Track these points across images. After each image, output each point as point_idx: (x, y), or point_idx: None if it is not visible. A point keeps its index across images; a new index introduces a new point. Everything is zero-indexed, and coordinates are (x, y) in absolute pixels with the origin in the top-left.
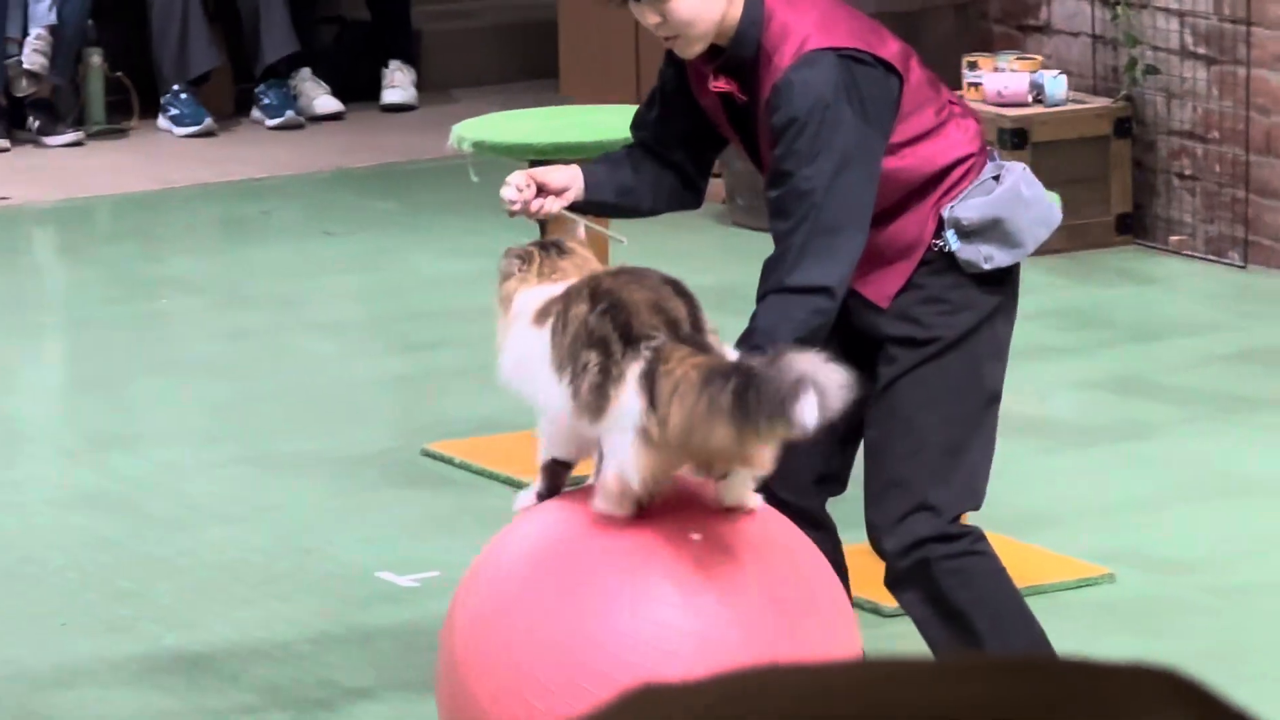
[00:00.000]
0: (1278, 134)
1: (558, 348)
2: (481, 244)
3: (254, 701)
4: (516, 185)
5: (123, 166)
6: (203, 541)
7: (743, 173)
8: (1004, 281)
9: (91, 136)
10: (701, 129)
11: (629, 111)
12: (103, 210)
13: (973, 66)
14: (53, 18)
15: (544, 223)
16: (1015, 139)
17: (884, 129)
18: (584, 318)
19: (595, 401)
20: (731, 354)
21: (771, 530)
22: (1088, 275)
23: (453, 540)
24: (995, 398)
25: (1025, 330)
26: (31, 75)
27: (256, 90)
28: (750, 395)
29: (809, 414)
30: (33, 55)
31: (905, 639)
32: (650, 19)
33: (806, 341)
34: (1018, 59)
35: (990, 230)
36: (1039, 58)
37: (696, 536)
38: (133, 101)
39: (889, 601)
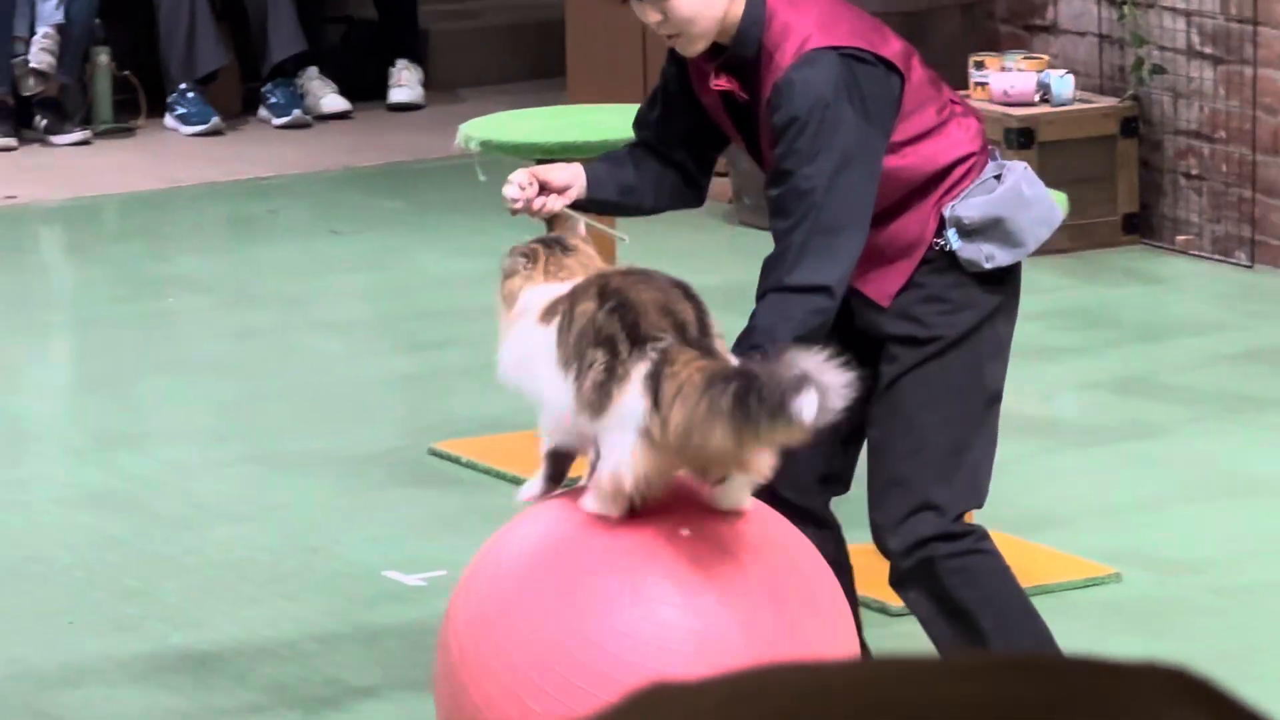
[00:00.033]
0: None
1: (563, 344)
2: (488, 243)
3: (261, 700)
4: (519, 183)
5: (130, 165)
6: (210, 540)
7: (749, 172)
8: (1005, 280)
9: (99, 135)
10: (703, 127)
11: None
12: (110, 209)
13: (979, 66)
14: (60, 16)
15: (549, 221)
16: (1022, 138)
17: (885, 128)
18: (592, 315)
19: (597, 399)
20: (736, 360)
21: (771, 530)
22: (1094, 275)
23: (460, 539)
24: (997, 396)
25: (1032, 330)
26: (39, 74)
27: (264, 89)
28: (751, 398)
29: (809, 410)
30: (40, 54)
31: (912, 638)
32: (651, 17)
33: (806, 340)
34: (1024, 58)
35: (991, 229)
36: (1045, 57)
37: (685, 532)
38: (140, 100)
39: (895, 601)
